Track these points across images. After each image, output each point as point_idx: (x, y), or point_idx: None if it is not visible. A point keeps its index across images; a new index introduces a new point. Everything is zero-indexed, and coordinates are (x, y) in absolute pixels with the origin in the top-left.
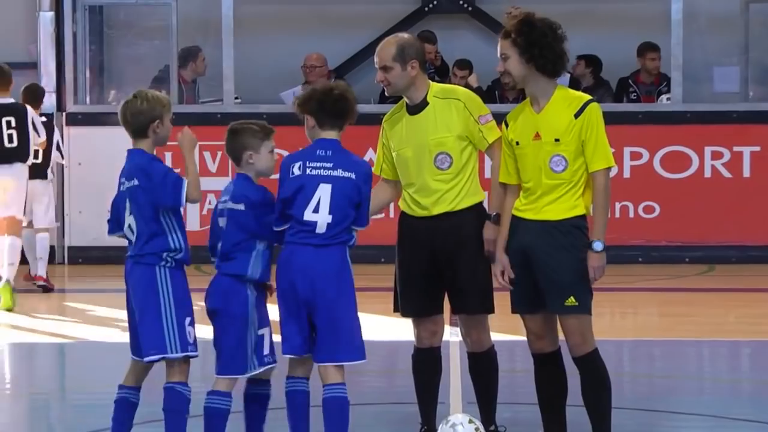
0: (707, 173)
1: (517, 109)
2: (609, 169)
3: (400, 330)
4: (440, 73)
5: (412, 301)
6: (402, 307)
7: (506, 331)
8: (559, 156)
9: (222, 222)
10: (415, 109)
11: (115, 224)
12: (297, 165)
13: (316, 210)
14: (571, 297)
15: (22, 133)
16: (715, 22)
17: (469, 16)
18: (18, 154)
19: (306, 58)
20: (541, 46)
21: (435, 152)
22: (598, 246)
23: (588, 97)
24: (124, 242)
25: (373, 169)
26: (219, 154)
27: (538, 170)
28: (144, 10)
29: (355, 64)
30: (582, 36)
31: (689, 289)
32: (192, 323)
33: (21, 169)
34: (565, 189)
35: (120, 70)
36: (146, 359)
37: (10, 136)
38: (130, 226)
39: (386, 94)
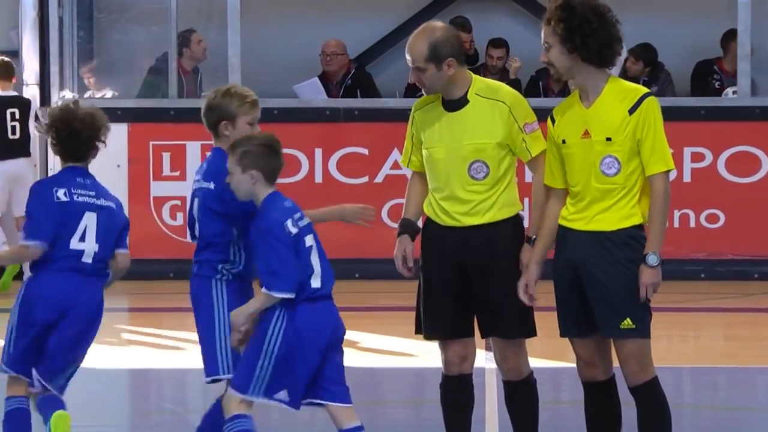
0: None
1: (564, 103)
2: (668, 172)
3: (428, 355)
4: (470, 61)
5: (438, 321)
6: (425, 328)
7: (550, 356)
8: (611, 157)
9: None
10: (453, 105)
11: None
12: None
13: None
14: (628, 319)
15: (24, 126)
16: None
17: None
18: (22, 147)
19: (324, 46)
20: (584, 34)
21: (470, 159)
22: (652, 260)
23: (645, 90)
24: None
25: (400, 160)
26: None
27: (588, 173)
28: None
29: (379, 52)
30: (632, 22)
31: (758, 309)
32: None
33: (28, 164)
34: (618, 195)
35: (112, 59)
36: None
37: (13, 128)
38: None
39: (430, 93)
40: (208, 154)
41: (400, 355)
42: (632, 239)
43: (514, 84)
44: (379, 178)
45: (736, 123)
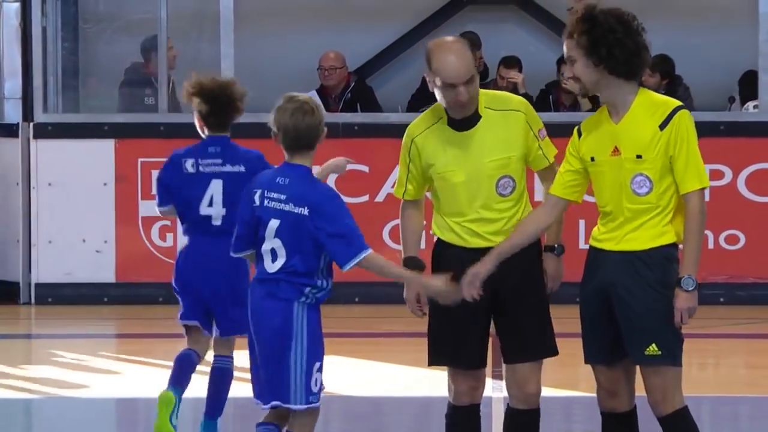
0: None
1: (593, 118)
2: (703, 190)
3: (430, 383)
4: (481, 77)
5: (466, 351)
6: (452, 358)
7: (562, 385)
8: (642, 176)
9: None
10: (464, 124)
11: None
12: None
13: None
14: (654, 345)
15: None
16: None
17: (517, 7)
18: None
19: (322, 59)
20: (610, 44)
21: (497, 176)
22: (688, 284)
23: (676, 103)
24: (102, 279)
25: (393, 191)
26: None
27: (618, 192)
28: (127, 1)
29: (381, 64)
30: (650, 32)
31: None
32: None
33: None
34: (650, 214)
35: (97, 71)
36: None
37: None
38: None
39: (459, 116)
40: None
41: (401, 384)
42: (665, 259)
43: (525, 98)
44: (380, 197)
45: (757, 139)
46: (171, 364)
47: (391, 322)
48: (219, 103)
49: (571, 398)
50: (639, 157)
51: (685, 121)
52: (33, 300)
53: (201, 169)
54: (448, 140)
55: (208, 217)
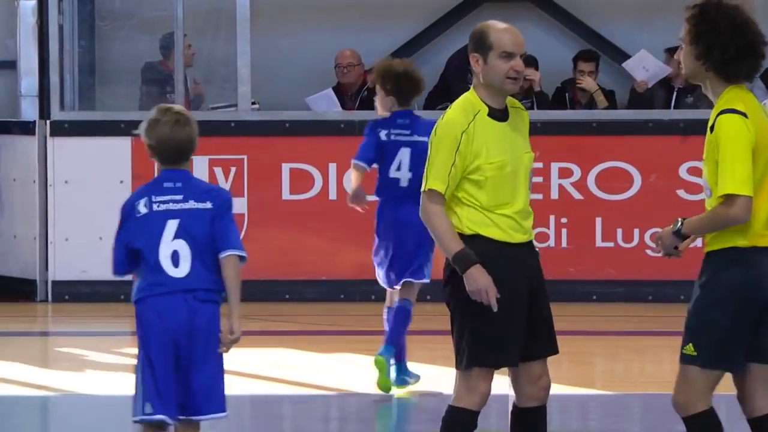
0: None
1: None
2: (735, 197)
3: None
4: None
5: (514, 348)
6: (497, 358)
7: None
8: (703, 180)
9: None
10: (502, 115)
11: None
12: None
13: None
14: (691, 344)
15: None
16: None
17: (533, 4)
18: None
19: (338, 57)
20: (711, 44)
21: (530, 168)
22: (675, 223)
23: (731, 105)
24: (118, 276)
25: (428, 186)
26: (233, 170)
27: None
28: None
29: None
30: (659, 29)
31: None
32: None
33: None
34: None
35: (114, 69)
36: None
37: None
38: None
39: (510, 92)
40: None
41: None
42: (717, 261)
43: (540, 96)
44: None
45: None
46: None
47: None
48: (407, 81)
49: (588, 396)
50: (703, 160)
51: (725, 124)
52: (50, 298)
53: (392, 138)
54: (493, 131)
55: (396, 180)
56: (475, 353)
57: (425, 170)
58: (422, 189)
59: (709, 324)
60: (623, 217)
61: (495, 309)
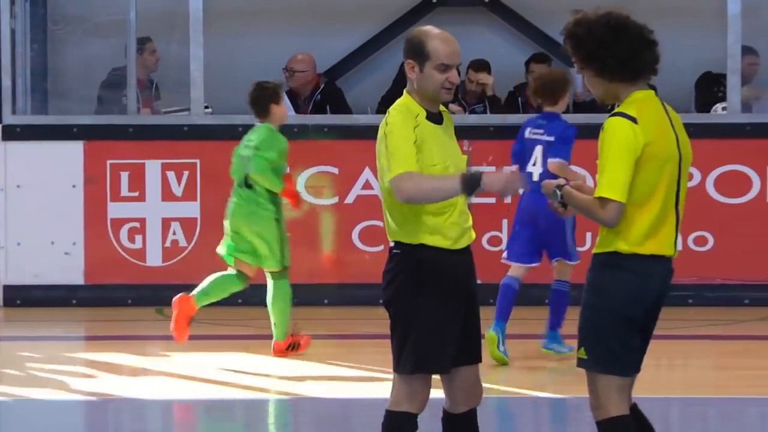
0: None
1: None
2: (608, 200)
3: None
4: None
5: (449, 354)
6: (441, 365)
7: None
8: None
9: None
10: (437, 118)
11: None
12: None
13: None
14: (582, 348)
15: None
16: None
17: (486, 9)
18: None
19: (289, 61)
20: (602, 57)
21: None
22: (560, 188)
23: (624, 108)
24: (71, 281)
25: (397, 173)
26: (185, 174)
27: None
28: (96, 3)
29: (351, 65)
30: None
31: (750, 336)
32: None
33: None
34: None
35: (67, 73)
36: None
37: None
38: None
39: (443, 101)
40: None
41: (372, 386)
42: (600, 264)
43: (493, 100)
44: (349, 199)
45: (726, 140)
46: (140, 365)
47: (360, 324)
48: (553, 85)
49: (539, 399)
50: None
51: (608, 128)
52: (1, 302)
53: (531, 136)
54: (433, 133)
55: (530, 174)
56: (422, 360)
57: (384, 165)
58: (387, 180)
59: (599, 329)
60: (577, 222)
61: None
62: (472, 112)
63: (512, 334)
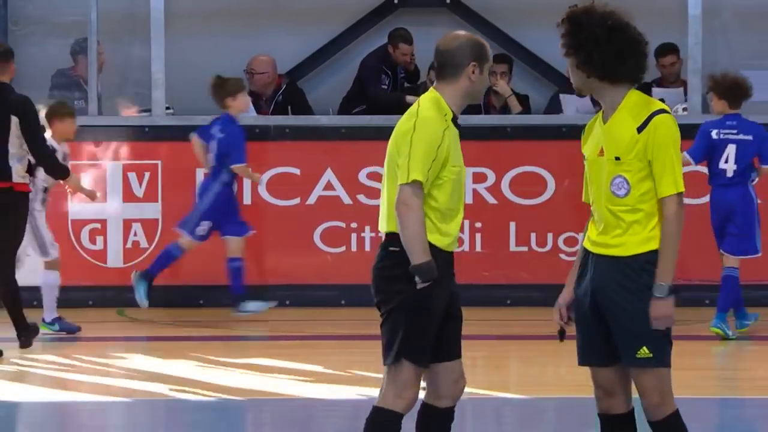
0: None
1: (595, 117)
2: (680, 195)
3: (362, 386)
4: (411, 78)
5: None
6: (428, 356)
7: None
8: (620, 177)
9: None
10: (457, 123)
11: None
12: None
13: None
14: (644, 348)
15: None
16: (744, 16)
17: (447, 10)
18: None
19: (250, 62)
20: (589, 50)
21: None
22: (660, 291)
23: (659, 106)
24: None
25: (412, 177)
26: (147, 175)
27: (600, 193)
28: (57, 3)
29: (312, 66)
30: None
31: (710, 337)
32: None
33: None
34: (632, 218)
35: (27, 74)
36: None
37: None
38: None
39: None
40: None
41: (333, 387)
42: (651, 264)
43: None
44: (311, 200)
45: (686, 141)
46: (97, 367)
47: (322, 325)
48: (736, 89)
49: (502, 400)
50: (617, 159)
51: (664, 124)
52: None
53: (722, 136)
54: (456, 136)
55: (723, 171)
56: (417, 352)
57: (403, 163)
58: (402, 181)
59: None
60: (537, 221)
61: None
62: None
63: (479, 335)
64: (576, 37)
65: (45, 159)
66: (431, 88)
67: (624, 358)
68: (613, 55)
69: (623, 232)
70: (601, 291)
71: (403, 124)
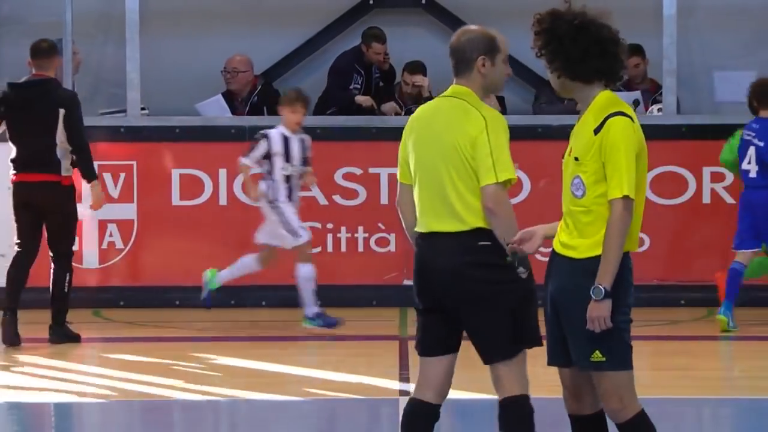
0: (706, 198)
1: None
2: (626, 198)
3: (340, 385)
4: (386, 78)
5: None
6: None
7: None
8: (578, 178)
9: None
10: None
11: None
12: None
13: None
14: (597, 351)
15: None
16: (719, 16)
17: (423, 10)
18: None
19: (227, 62)
20: (554, 51)
21: None
22: (597, 293)
23: (616, 108)
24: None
25: (505, 177)
26: (122, 176)
27: (565, 192)
28: (32, 4)
29: (288, 67)
30: None
31: (686, 337)
32: None
33: None
34: (587, 219)
35: (3, 74)
36: None
37: None
38: None
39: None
40: None
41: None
42: (585, 269)
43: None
44: None
45: (661, 142)
46: (76, 368)
47: (299, 326)
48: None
49: (481, 401)
50: (577, 159)
51: (618, 126)
52: None
53: (745, 138)
54: None
55: (747, 171)
56: (537, 334)
57: (490, 162)
58: (493, 181)
59: (614, 329)
60: None
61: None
62: (408, 113)
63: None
64: (543, 37)
65: (82, 152)
66: (465, 88)
67: (578, 361)
68: (577, 54)
69: (579, 234)
70: (558, 293)
71: (476, 124)
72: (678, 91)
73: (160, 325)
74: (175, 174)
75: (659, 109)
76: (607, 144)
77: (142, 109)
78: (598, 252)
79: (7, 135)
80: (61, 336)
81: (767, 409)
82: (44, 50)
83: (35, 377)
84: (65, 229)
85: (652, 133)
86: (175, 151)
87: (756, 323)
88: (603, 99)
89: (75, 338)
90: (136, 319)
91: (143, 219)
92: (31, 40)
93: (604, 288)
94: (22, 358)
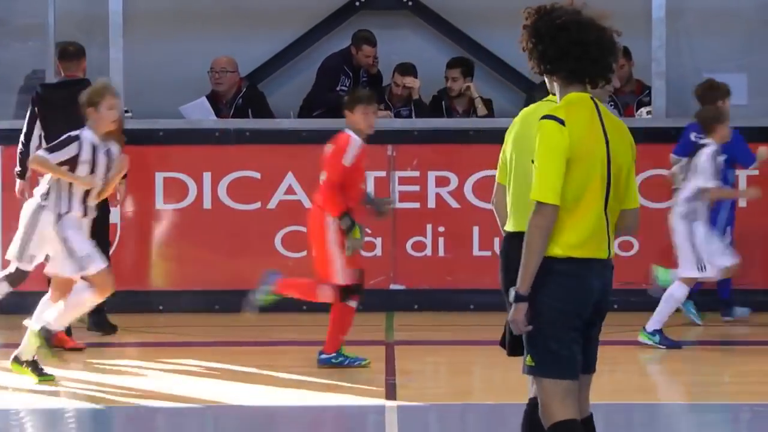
0: None
1: None
2: (541, 204)
3: (323, 392)
4: (373, 81)
5: None
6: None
7: None
8: (531, 179)
9: None
10: None
11: None
12: None
13: None
14: (529, 355)
15: None
16: (708, 19)
17: (410, 12)
18: None
19: (213, 63)
20: (530, 50)
21: None
22: (510, 295)
23: (557, 111)
24: None
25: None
26: None
27: None
28: (15, 6)
29: (273, 69)
30: None
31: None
32: None
33: None
34: None
35: None
36: None
37: None
38: None
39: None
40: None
41: (294, 393)
42: (540, 270)
43: (419, 104)
44: (272, 204)
45: (650, 145)
46: (57, 373)
47: (285, 330)
48: None
49: (466, 406)
50: (532, 162)
51: (540, 130)
52: None
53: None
54: None
55: None
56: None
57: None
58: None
59: (536, 333)
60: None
61: None
62: (398, 115)
63: (442, 340)
64: (527, 36)
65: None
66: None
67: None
68: (553, 53)
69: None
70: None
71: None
72: (667, 94)
73: (143, 330)
74: (159, 177)
75: (648, 112)
76: (535, 147)
77: (126, 111)
78: (550, 253)
79: (43, 135)
80: (101, 324)
81: (759, 414)
82: (72, 53)
83: (15, 382)
84: (102, 227)
85: (640, 135)
86: (158, 153)
87: (750, 325)
88: (563, 100)
89: (112, 329)
90: (119, 324)
91: (127, 222)
92: (13, 42)
93: (516, 291)
94: (3, 363)
